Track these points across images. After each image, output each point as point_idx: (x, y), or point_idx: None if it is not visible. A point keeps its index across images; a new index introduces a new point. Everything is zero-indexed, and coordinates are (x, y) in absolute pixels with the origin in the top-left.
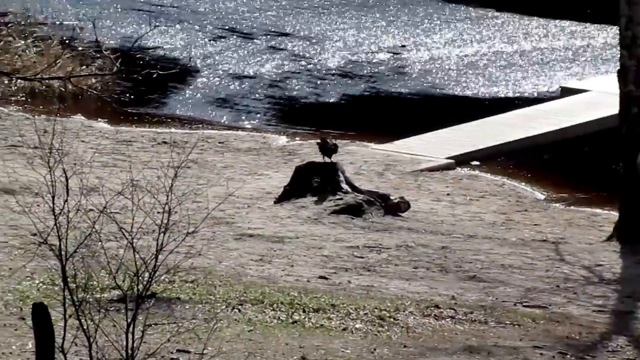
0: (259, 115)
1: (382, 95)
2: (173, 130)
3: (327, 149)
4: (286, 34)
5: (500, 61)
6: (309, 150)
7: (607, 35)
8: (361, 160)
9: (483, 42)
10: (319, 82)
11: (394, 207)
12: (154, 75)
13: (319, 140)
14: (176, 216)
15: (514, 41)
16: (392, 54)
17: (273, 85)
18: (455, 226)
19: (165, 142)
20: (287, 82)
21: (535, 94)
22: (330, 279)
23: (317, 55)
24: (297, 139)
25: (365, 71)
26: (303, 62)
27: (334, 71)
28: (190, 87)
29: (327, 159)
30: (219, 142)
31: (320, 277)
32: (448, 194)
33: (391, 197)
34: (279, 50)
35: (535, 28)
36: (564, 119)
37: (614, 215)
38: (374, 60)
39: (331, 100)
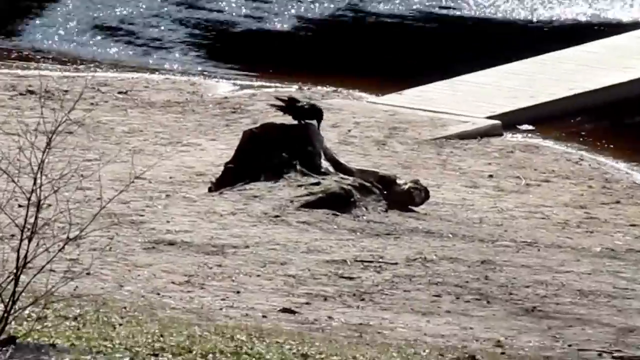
0: (179, 50)
1: (376, 18)
2: (43, 73)
3: (299, 111)
4: None
5: None
6: (263, 105)
7: None
8: (350, 121)
9: None
10: None
11: (404, 197)
12: None
13: (281, 99)
14: (49, 211)
15: None
16: None
17: (197, 3)
18: (502, 228)
19: (31, 92)
20: None
21: (632, 16)
22: (301, 313)
23: None
24: (245, 86)
25: None
26: None
27: None
28: (70, 3)
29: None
30: (120, 92)
31: (284, 310)
32: (491, 176)
33: (399, 181)
34: None
35: None
36: None
37: None
38: None
39: (294, 27)
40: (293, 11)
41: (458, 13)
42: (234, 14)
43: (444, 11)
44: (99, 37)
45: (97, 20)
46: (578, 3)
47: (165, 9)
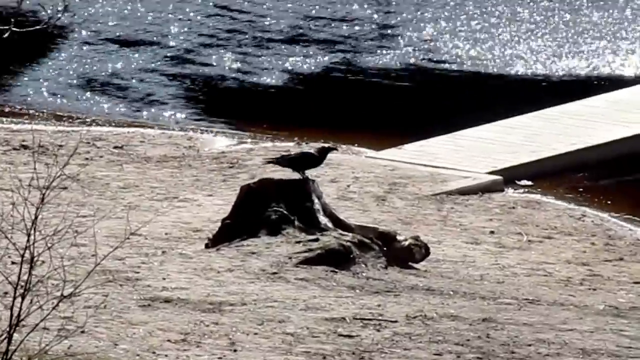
0: (174, 105)
1: (373, 72)
2: (37, 127)
3: (297, 161)
4: None
5: (572, 10)
6: (261, 160)
7: None
8: (349, 176)
9: None
10: (258, 52)
11: (404, 254)
12: (5, 35)
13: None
14: (43, 268)
15: None
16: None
17: (189, 58)
18: (503, 285)
19: (25, 147)
20: (210, 52)
21: (634, 71)
22: None
23: (252, 9)
24: (242, 141)
25: (339, 33)
26: (229, 20)
27: (282, 34)
28: (63, 57)
29: (294, 174)
30: (115, 147)
31: None
32: (492, 232)
33: (399, 238)
34: (188, 2)
35: None
36: None
37: None
38: (351, 16)
39: (290, 81)
40: (287, 65)
41: (457, 67)
42: (226, 68)
43: (443, 65)
44: (91, 92)
45: (89, 75)
46: (579, 58)
47: (154, 64)
